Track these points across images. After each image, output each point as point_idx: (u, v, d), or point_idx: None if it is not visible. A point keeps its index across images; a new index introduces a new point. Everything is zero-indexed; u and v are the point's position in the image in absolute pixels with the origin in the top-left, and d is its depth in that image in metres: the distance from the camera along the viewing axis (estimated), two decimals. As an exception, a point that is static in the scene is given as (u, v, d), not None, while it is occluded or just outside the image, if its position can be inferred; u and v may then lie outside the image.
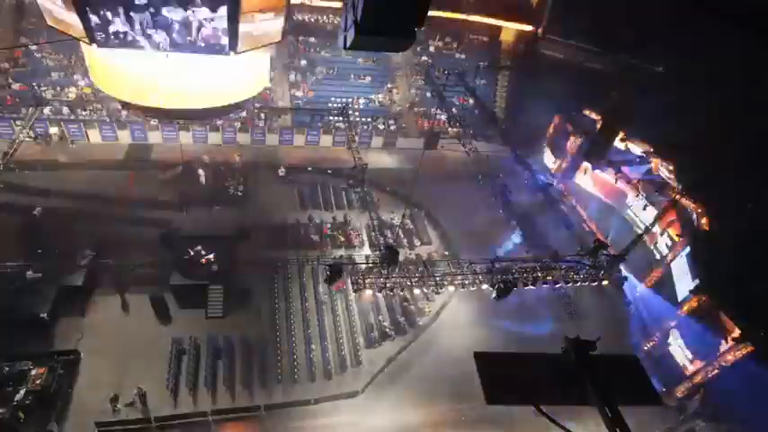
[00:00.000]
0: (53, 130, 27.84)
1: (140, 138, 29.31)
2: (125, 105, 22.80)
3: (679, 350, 20.77)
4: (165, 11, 12.05)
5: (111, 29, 12.92)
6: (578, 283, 18.59)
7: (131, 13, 12.30)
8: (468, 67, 36.45)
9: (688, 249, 22.00)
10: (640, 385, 4.17)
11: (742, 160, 20.84)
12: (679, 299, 21.83)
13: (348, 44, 4.68)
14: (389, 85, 34.97)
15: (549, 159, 33.40)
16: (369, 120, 33.30)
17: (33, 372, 16.56)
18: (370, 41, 4.66)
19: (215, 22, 13.86)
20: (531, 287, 17.67)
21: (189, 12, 12.22)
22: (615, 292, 24.04)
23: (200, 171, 26.99)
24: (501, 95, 36.62)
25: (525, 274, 17.37)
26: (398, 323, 21.70)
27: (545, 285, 18.18)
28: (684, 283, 21.81)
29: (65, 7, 12.16)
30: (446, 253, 25.15)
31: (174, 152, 28.72)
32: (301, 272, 22.94)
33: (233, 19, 13.53)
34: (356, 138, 29.65)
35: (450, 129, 32.98)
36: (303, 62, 33.70)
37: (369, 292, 17.52)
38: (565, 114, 31.45)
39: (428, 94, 35.27)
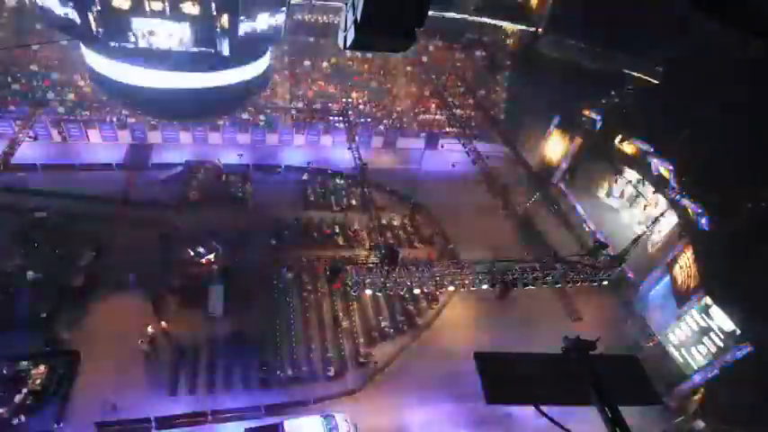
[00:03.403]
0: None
1: (140, 138, 29.30)
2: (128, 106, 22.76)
3: (678, 349, 20.77)
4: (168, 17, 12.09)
5: (112, 30, 12.93)
6: (578, 283, 18.60)
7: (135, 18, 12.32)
8: (468, 68, 36.55)
9: (689, 249, 22.00)
10: (640, 385, 4.17)
11: (741, 160, 20.84)
12: (678, 299, 21.84)
13: (348, 44, 4.68)
14: (389, 86, 34.99)
15: (548, 159, 33.37)
16: (369, 120, 33.29)
17: (33, 372, 16.55)
18: (370, 41, 4.67)
19: (216, 25, 13.89)
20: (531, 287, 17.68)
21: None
22: (615, 291, 24.02)
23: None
24: (501, 95, 36.61)
25: (525, 274, 17.35)
26: (398, 323, 21.70)
27: (545, 285, 18.18)
28: (684, 283, 21.83)
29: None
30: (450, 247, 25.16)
31: (175, 152, 28.76)
32: (301, 271, 22.93)
33: (233, 22, 13.58)
34: (356, 138, 29.65)
35: (450, 128, 33.02)
36: (307, 63, 33.74)
37: (369, 292, 17.51)
38: (564, 114, 31.44)
39: (427, 94, 35.28)
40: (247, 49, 18.20)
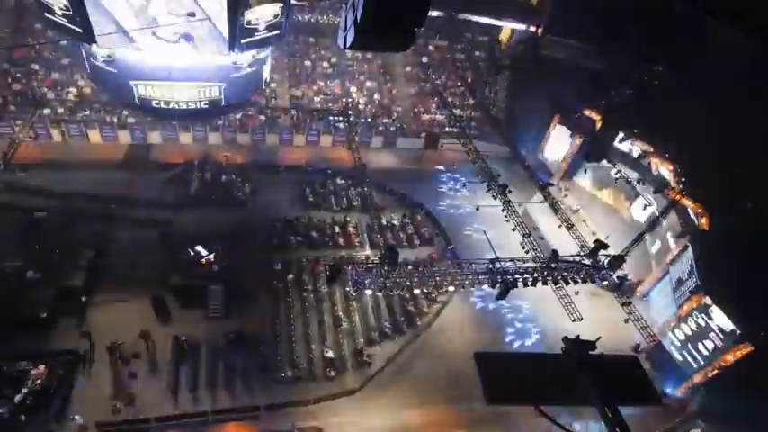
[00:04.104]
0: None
1: (140, 138, 29.30)
2: (128, 106, 22.88)
3: (678, 349, 20.77)
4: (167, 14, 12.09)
5: (112, 29, 12.95)
6: (578, 283, 18.62)
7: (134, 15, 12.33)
8: (468, 67, 36.56)
9: (689, 249, 22.01)
10: (640, 385, 4.17)
11: (741, 160, 20.84)
12: (679, 299, 21.86)
13: (348, 44, 4.70)
14: (389, 85, 34.98)
15: (548, 159, 33.41)
16: (368, 120, 33.29)
17: (33, 372, 16.55)
18: (370, 41, 4.69)
19: (216, 23, 13.91)
20: (532, 287, 17.70)
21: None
22: (615, 291, 24.02)
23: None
24: (501, 95, 36.62)
25: (525, 275, 17.38)
26: (398, 323, 21.70)
27: (545, 286, 18.22)
28: (683, 283, 21.85)
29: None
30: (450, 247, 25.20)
31: (174, 152, 28.80)
32: (302, 271, 22.94)
33: (233, 20, 13.60)
34: (356, 138, 29.68)
35: (450, 128, 33.03)
36: (307, 63, 33.74)
37: (369, 292, 17.55)
38: (564, 114, 31.46)
39: (427, 93, 35.28)
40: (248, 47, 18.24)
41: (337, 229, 25.53)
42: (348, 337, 20.72)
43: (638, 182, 26.29)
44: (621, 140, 27.07)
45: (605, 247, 18.27)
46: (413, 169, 31.24)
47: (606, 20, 26.85)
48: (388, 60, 35.31)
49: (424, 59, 35.93)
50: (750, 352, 17.87)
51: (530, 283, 17.41)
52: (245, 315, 20.41)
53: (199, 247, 21.57)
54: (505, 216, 21.66)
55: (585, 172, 30.17)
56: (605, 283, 21.07)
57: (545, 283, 17.87)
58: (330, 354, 19.59)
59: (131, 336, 18.38)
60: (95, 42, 16.58)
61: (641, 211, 26.75)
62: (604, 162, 27.96)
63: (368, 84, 34.56)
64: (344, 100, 33.16)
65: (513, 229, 21.29)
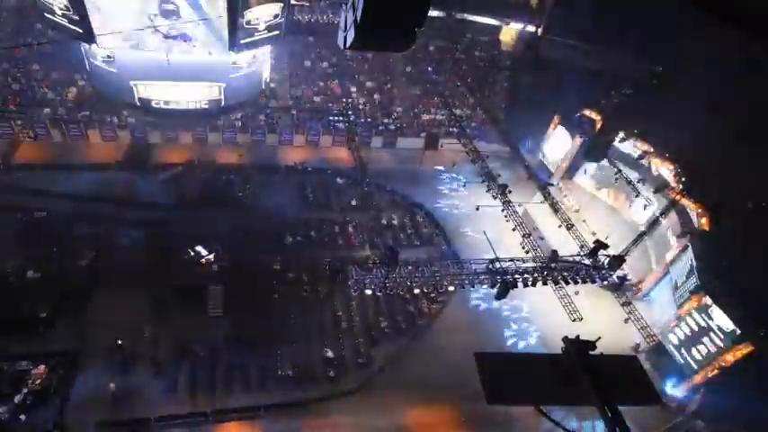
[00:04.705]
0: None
1: (140, 138, 29.29)
2: (128, 106, 22.92)
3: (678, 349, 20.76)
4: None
5: (112, 29, 12.96)
6: (578, 284, 18.62)
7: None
8: (469, 67, 36.54)
9: (689, 249, 22.00)
10: (640, 385, 4.18)
11: (742, 160, 20.84)
12: (679, 299, 21.85)
13: (348, 44, 4.70)
14: (389, 85, 34.98)
15: (548, 159, 33.40)
16: (368, 120, 33.28)
17: (33, 372, 16.56)
18: (370, 41, 4.68)
19: (216, 22, 13.91)
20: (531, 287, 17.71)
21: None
22: (615, 291, 24.02)
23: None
24: (501, 95, 36.61)
25: (525, 275, 17.38)
26: (398, 323, 21.68)
27: (545, 286, 18.23)
28: (684, 282, 21.84)
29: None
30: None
31: (174, 152, 28.79)
32: (302, 271, 22.92)
33: (233, 20, 13.61)
34: (356, 138, 29.69)
35: (450, 128, 33.02)
36: (307, 63, 33.73)
37: (369, 292, 17.56)
38: (564, 114, 31.44)
39: (426, 93, 35.26)
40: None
41: (337, 229, 25.54)
42: (348, 337, 20.73)
43: (638, 182, 26.30)
44: (621, 140, 27.05)
45: (605, 247, 18.26)
46: (413, 169, 31.18)
47: (606, 20, 26.84)
48: (388, 60, 35.29)
49: (424, 59, 35.89)
50: (750, 352, 17.87)
51: (530, 283, 17.42)
52: (245, 315, 20.40)
53: (199, 248, 21.59)
54: (505, 216, 21.64)
55: (585, 172, 30.16)
56: (605, 283, 21.09)
57: (545, 283, 17.88)
58: (330, 354, 19.60)
59: (131, 335, 18.39)
60: (95, 42, 16.59)
61: (641, 211, 26.75)
62: (604, 162, 27.95)
63: (368, 84, 34.56)
64: (344, 100, 33.14)
65: (514, 229, 21.28)
